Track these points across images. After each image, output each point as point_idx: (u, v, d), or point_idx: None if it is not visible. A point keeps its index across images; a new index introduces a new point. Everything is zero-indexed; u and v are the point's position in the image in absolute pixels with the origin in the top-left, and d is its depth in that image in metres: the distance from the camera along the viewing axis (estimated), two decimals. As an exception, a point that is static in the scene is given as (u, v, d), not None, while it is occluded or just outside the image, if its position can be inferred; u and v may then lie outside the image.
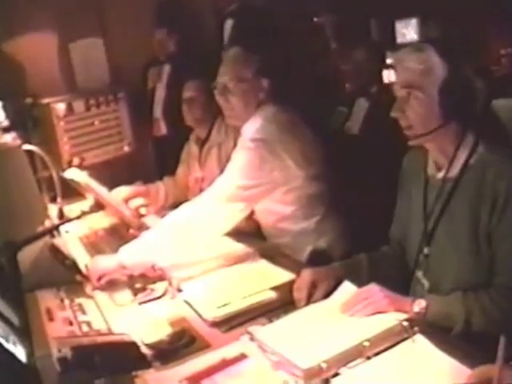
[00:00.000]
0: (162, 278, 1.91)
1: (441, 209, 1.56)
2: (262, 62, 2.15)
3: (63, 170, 2.69)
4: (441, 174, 1.58)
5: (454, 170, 1.55)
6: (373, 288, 1.52)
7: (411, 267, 1.67)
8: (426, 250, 1.61)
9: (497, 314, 1.42)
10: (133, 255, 1.93)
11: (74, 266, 1.98)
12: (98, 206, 2.16)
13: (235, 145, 2.23)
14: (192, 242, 1.98)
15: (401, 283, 1.67)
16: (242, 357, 1.39)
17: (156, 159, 3.95)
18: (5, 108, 3.18)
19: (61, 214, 2.49)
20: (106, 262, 1.93)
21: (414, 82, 1.52)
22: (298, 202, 2.14)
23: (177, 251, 1.97)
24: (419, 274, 1.63)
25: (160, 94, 3.84)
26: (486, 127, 1.56)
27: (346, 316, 1.50)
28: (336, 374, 1.29)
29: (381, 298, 1.49)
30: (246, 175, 2.02)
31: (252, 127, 2.12)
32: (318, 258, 2.10)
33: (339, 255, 2.09)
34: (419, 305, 1.46)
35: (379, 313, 1.47)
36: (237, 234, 2.14)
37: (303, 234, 2.17)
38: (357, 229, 2.24)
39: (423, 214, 1.62)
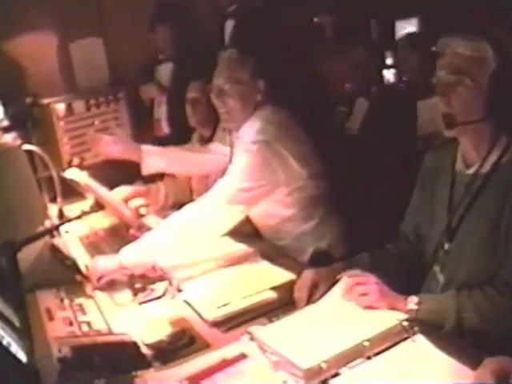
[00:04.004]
0: (162, 278, 1.91)
1: (467, 205, 1.55)
2: (258, 63, 2.14)
3: (63, 170, 2.69)
4: (470, 171, 1.57)
5: (485, 168, 1.54)
6: (370, 278, 1.54)
7: (428, 262, 1.66)
8: (446, 246, 1.59)
9: (490, 311, 1.42)
10: (133, 256, 1.93)
11: (73, 266, 1.98)
12: (98, 206, 2.16)
13: (231, 146, 2.23)
14: (192, 243, 1.99)
15: (404, 281, 1.66)
16: (242, 357, 1.40)
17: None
18: (5, 108, 3.18)
19: (61, 214, 2.48)
20: (106, 263, 1.93)
21: (466, 69, 1.49)
22: (299, 203, 2.14)
23: (177, 252, 1.97)
24: (436, 269, 1.62)
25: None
26: None
27: (345, 316, 1.50)
28: (336, 374, 1.29)
29: (374, 290, 1.51)
30: (247, 178, 2.02)
31: (251, 129, 2.11)
32: (319, 260, 2.09)
33: (340, 256, 2.09)
34: (412, 301, 1.46)
35: (373, 308, 1.49)
36: (237, 234, 2.14)
37: (303, 236, 2.17)
38: (357, 229, 2.24)
39: (447, 209, 1.61)
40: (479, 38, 1.51)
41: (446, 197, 1.62)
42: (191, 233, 1.98)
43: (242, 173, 2.03)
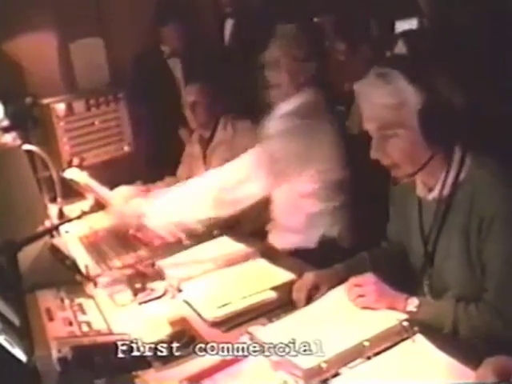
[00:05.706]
0: (162, 278, 1.91)
1: (437, 231, 1.52)
2: (313, 44, 2.18)
3: (63, 170, 2.69)
4: (432, 195, 1.53)
5: (445, 190, 1.49)
6: (369, 278, 1.54)
7: (416, 273, 1.64)
8: (429, 271, 1.58)
9: (482, 327, 1.40)
10: (157, 209, 2.01)
11: (73, 266, 1.98)
12: (98, 206, 2.16)
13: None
14: (213, 205, 2.01)
15: (402, 279, 1.66)
16: (242, 357, 1.39)
17: (156, 159, 3.94)
18: (5, 108, 3.18)
19: (61, 214, 2.49)
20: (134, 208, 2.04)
21: (391, 120, 1.41)
22: (323, 182, 2.14)
23: (197, 210, 2.01)
24: (425, 288, 1.61)
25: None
26: (472, 138, 1.49)
27: (345, 316, 1.50)
28: (336, 374, 1.29)
29: (371, 290, 1.50)
30: (279, 149, 2.03)
31: (290, 106, 2.13)
32: (326, 247, 2.11)
33: (347, 246, 2.11)
34: (412, 303, 1.46)
35: (372, 308, 1.49)
36: (237, 234, 2.14)
37: (318, 216, 2.16)
38: (365, 225, 2.23)
39: (421, 236, 1.59)
40: (394, 74, 1.39)
41: (416, 221, 1.59)
42: (223, 193, 2.00)
43: (276, 142, 2.04)
